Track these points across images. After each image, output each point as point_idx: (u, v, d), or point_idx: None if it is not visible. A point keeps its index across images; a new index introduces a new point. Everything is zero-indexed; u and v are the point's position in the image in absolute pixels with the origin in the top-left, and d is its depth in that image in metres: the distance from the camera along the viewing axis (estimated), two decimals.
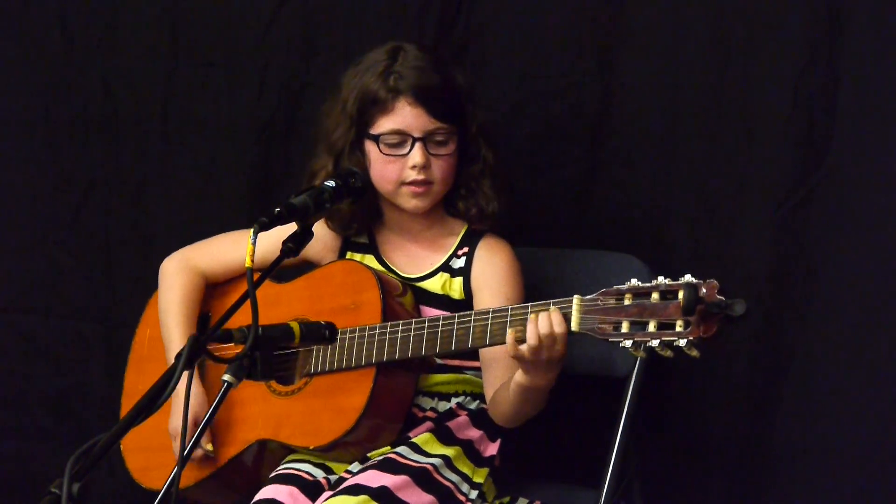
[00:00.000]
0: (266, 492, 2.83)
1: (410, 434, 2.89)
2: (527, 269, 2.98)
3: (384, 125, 2.91)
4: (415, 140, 2.89)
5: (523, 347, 2.61)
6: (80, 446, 2.10)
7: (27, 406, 3.83)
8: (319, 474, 2.88)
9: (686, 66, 3.25)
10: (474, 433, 2.92)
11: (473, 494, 2.87)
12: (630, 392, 3.02)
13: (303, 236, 2.52)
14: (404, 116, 2.89)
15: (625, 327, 2.47)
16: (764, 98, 3.17)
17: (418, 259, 3.02)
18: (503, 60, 3.40)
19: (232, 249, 3.09)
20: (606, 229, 3.32)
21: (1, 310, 3.83)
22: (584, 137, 3.35)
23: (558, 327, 2.58)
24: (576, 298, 2.56)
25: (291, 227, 2.52)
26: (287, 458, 2.95)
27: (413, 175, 2.90)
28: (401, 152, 2.90)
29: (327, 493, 2.79)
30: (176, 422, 2.96)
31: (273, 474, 2.90)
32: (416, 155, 2.89)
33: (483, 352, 2.88)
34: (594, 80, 3.32)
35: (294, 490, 2.82)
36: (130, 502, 3.61)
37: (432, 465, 2.84)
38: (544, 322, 2.58)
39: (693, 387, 3.27)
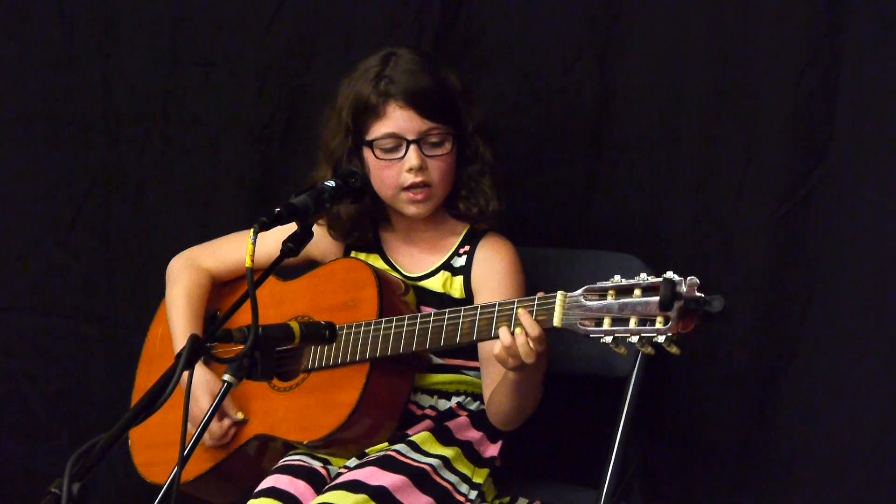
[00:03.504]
0: (267, 481, 2.85)
1: (409, 432, 2.89)
2: (527, 269, 2.98)
3: (378, 130, 2.91)
4: (409, 143, 2.89)
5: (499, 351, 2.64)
6: (80, 446, 2.11)
7: (27, 406, 3.83)
8: (319, 465, 2.89)
9: (686, 66, 3.25)
10: (474, 434, 2.92)
11: (473, 495, 2.87)
12: (630, 392, 3.01)
13: (303, 236, 2.53)
14: (396, 120, 2.89)
15: (606, 323, 2.46)
16: (764, 98, 3.17)
17: (420, 259, 3.02)
18: (503, 60, 3.40)
19: (236, 249, 3.11)
20: (606, 229, 3.32)
21: (1, 310, 3.83)
22: (584, 137, 3.35)
23: (521, 344, 2.60)
24: (559, 294, 2.56)
25: (293, 227, 2.52)
26: (290, 453, 2.96)
27: (411, 178, 2.90)
28: (396, 156, 2.90)
29: (326, 487, 2.79)
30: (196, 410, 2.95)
31: (275, 466, 2.91)
32: (412, 157, 2.89)
33: (481, 350, 2.88)
34: (594, 80, 3.32)
35: (293, 479, 2.83)
36: (130, 498, 3.63)
37: (430, 465, 2.84)
38: (505, 335, 2.61)
39: (693, 387, 3.27)
